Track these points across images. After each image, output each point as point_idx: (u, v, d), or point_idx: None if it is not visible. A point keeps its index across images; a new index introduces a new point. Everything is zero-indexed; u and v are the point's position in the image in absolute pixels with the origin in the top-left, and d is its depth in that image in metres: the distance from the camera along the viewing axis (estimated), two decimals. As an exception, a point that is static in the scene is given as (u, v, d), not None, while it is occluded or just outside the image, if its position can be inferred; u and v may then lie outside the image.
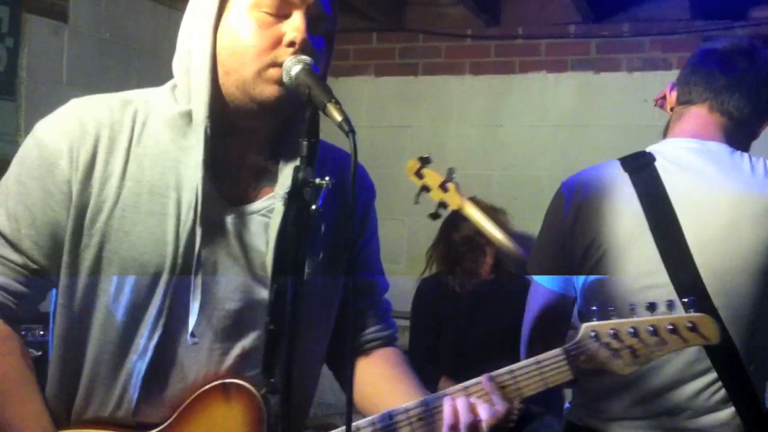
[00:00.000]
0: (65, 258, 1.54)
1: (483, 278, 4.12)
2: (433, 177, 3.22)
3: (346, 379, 1.70)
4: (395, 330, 1.83)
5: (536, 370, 1.61)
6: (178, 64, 1.58)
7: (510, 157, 5.16)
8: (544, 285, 2.28)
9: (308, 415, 1.75)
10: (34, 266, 1.56)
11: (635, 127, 4.92)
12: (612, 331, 1.62)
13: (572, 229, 2.19)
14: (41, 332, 2.59)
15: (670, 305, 1.63)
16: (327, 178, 1.37)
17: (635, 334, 1.62)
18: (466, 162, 5.23)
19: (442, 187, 3.18)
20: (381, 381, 1.74)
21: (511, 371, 1.61)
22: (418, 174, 3.20)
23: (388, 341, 1.81)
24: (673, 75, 4.80)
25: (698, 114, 2.21)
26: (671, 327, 1.62)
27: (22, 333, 1.62)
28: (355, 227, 1.72)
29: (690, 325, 1.63)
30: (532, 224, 4.86)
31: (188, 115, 1.55)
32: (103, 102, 1.59)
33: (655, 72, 4.91)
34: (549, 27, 5.09)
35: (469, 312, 4.07)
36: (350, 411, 1.35)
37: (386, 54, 5.41)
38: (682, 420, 2.09)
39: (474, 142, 5.23)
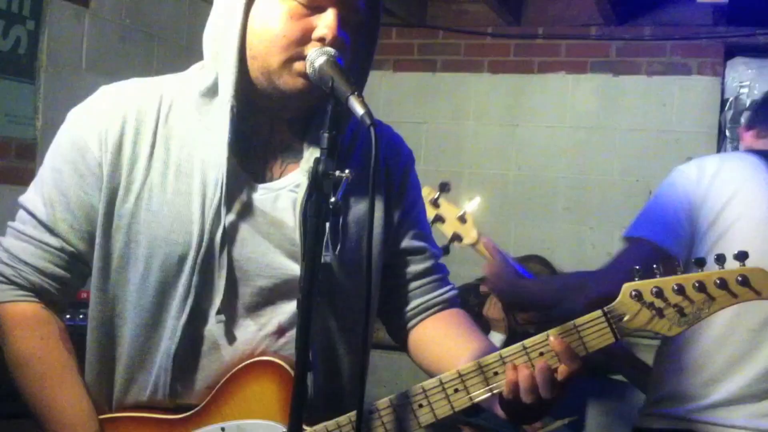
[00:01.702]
0: (98, 240, 1.56)
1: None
2: (449, 208, 2.94)
3: (406, 350, 1.77)
4: (455, 291, 1.81)
5: (575, 334, 1.51)
6: (206, 35, 1.59)
7: (527, 157, 5.14)
8: (656, 243, 2.42)
9: (355, 390, 1.68)
10: (71, 249, 1.59)
11: (654, 131, 4.90)
12: (656, 289, 1.51)
13: (706, 195, 2.43)
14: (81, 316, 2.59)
15: (719, 259, 1.51)
16: (347, 171, 1.37)
17: (681, 291, 1.50)
18: (483, 160, 5.22)
19: (460, 218, 2.90)
20: (447, 341, 1.72)
21: (547, 336, 1.52)
22: (434, 203, 2.90)
23: (450, 304, 1.79)
24: (693, 80, 4.84)
25: None
26: (719, 281, 1.49)
27: (66, 317, 1.66)
28: (392, 199, 1.71)
29: (741, 279, 1.49)
30: (546, 225, 4.87)
31: (210, 91, 1.57)
32: (130, 86, 1.63)
33: (675, 76, 4.88)
34: (570, 28, 5.06)
35: None
36: (362, 389, 1.35)
37: (405, 49, 5.39)
38: None
39: (491, 141, 5.22)
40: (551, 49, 5.13)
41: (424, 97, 5.34)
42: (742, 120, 2.77)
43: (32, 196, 1.61)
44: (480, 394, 1.53)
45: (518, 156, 5.15)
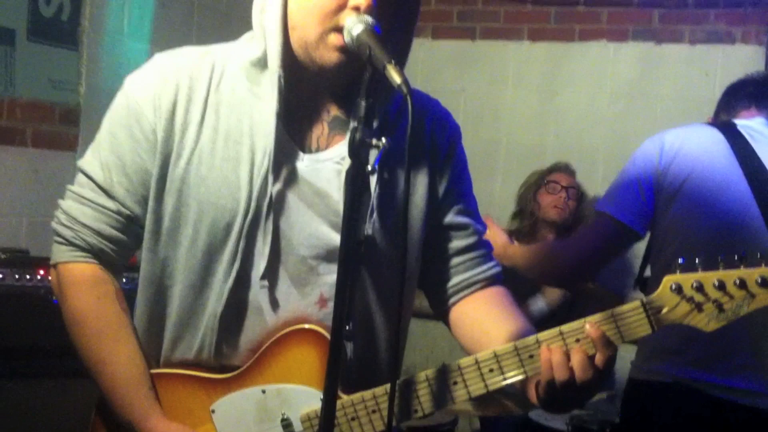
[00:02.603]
0: (151, 203, 1.61)
1: None
2: None
3: (447, 325, 1.80)
4: (498, 269, 1.81)
5: (612, 323, 1.52)
6: (255, 6, 1.62)
7: (565, 126, 5.11)
8: (616, 217, 2.56)
9: (395, 362, 1.66)
10: (127, 212, 1.64)
11: (695, 100, 4.83)
12: (696, 284, 1.51)
13: (667, 169, 2.55)
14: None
15: (764, 256, 1.50)
16: (384, 139, 1.38)
17: (721, 287, 1.50)
18: (521, 129, 5.20)
19: None
20: (485, 322, 1.73)
21: (584, 323, 1.53)
22: None
23: (492, 281, 1.80)
24: (736, 49, 4.76)
25: (747, 113, 2.73)
26: (761, 279, 1.49)
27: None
28: (437, 171, 1.71)
29: None
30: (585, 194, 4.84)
31: (261, 62, 1.60)
32: (184, 54, 1.66)
33: (718, 45, 4.80)
34: (611, -5, 5.00)
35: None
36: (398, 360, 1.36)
37: (444, 16, 5.36)
38: None
39: (529, 110, 5.19)
40: (592, 17, 5.06)
41: (463, 65, 5.31)
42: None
43: (90, 160, 1.66)
44: (514, 375, 1.55)
45: (557, 125, 5.12)
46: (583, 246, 2.67)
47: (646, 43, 4.96)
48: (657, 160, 2.59)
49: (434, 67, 5.31)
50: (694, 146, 2.57)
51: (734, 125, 2.64)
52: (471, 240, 1.77)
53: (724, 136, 2.58)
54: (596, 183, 5.00)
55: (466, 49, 5.31)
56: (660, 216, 2.57)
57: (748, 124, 2.64)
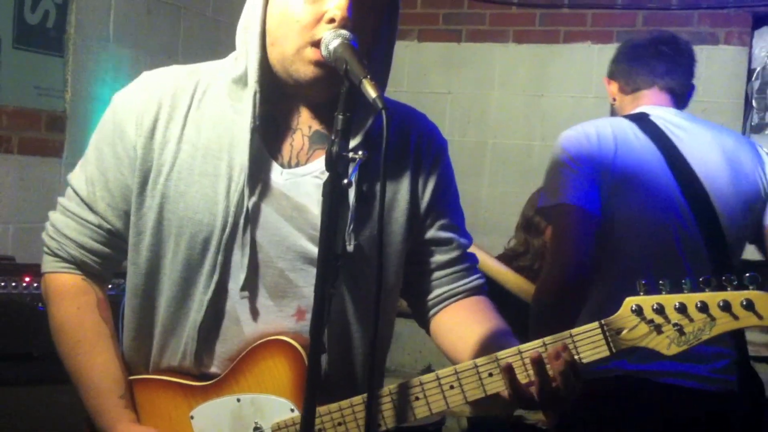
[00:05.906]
0: (132, 218, 1.64)
1: None
2: None
3: (431, 335, 1.81)
4: (480, 281, 1.80)
5: (570, 343, 1.49)
6: (239, 25, 1.64)
7: (551, 128, 5.12)
8: (587, 210, 2.41)
9: (374, 375, 1.62)
10: (108, 226, 1.67)
11: (679, 102, 4.86)
12: (657, 306, 1.48)
13: (613, 161, 2.44)
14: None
15: (728, 279, 1.46)
16: (360, 152, 1.38)
17: (682, 309, 1.47)
18: (507, 131, 5.22)
19: None
20: (461, 328, 1.73)
21: (544, 344, 1.50)
22: None
23: (473, 292, 1.79)
24: (720, 50, 4.79)
25: (651, 94, 2.65)
26: (723, 303, 1.45)
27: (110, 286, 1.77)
28: (415, 189, 1.71)
29: (745, 302, 1.44)
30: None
31: (242, 79, 1.61)
32: (171, 72, 1.69)
33: (702, 46, 4.83)
34: (596, -3, 5.04)
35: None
36: (372, 375, 1.36)
37: (430, 19, 5.38)
38: None
39: (515, 111, 5.21)
40: (577, 19, 5.10)
41: (449, 67, 5.33)
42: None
43: (78, 174, 1.70)
44: (474, 394, 1.54)
45: (543, 126, 5.15)
46: (572, 248, 2.43)
47: (630, 45, 4.98)
48: (608, 145, 2.45)
49: (421, 69, 5.33)
50: (633, 150, 2.47)
51: (646, 116, 2.56)
52: (453, 254, 1.77)
53: (641, 128, 2.50)
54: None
55: (452, 52, 5.33)
56: (609, 200, 2.43)
57: (656, 113, 2.56)
